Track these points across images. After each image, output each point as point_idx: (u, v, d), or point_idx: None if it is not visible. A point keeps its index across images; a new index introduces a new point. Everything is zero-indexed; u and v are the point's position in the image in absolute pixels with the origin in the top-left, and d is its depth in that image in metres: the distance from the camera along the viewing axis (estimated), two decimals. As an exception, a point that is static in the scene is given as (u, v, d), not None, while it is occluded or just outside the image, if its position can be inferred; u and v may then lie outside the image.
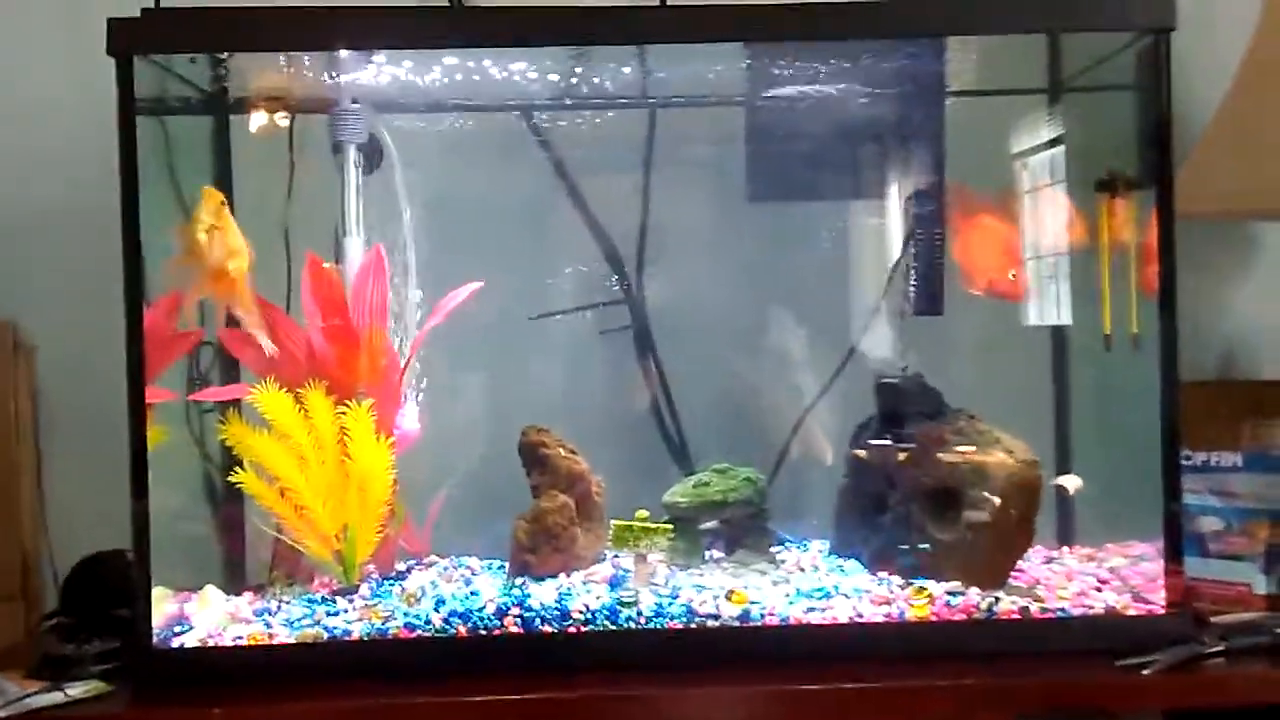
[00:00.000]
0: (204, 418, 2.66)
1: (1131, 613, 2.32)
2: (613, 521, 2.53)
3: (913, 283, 2.85)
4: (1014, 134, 2.88)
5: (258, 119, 2.72)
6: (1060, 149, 2.81)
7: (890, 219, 2.91)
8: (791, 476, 2.89)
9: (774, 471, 2.88)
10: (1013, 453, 2.41)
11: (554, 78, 2.68)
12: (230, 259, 2.42)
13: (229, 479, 2.48)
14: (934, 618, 2.29)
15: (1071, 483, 2.41)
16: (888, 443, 2.62)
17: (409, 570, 2.70)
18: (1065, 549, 2.78)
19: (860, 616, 2.29)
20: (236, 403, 2.55)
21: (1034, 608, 2.31)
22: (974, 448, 2.47)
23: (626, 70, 2.68)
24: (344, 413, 2.48)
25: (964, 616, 2.30)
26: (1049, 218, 2.79)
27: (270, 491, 2.48)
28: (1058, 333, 2.91)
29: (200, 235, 2.38)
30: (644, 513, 2.54)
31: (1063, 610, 2.32)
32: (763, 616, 2.29)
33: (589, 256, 2.88)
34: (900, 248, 2.89)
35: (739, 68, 2.73)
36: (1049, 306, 2.82)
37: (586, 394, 2.97)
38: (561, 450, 2.63)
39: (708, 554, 2.66)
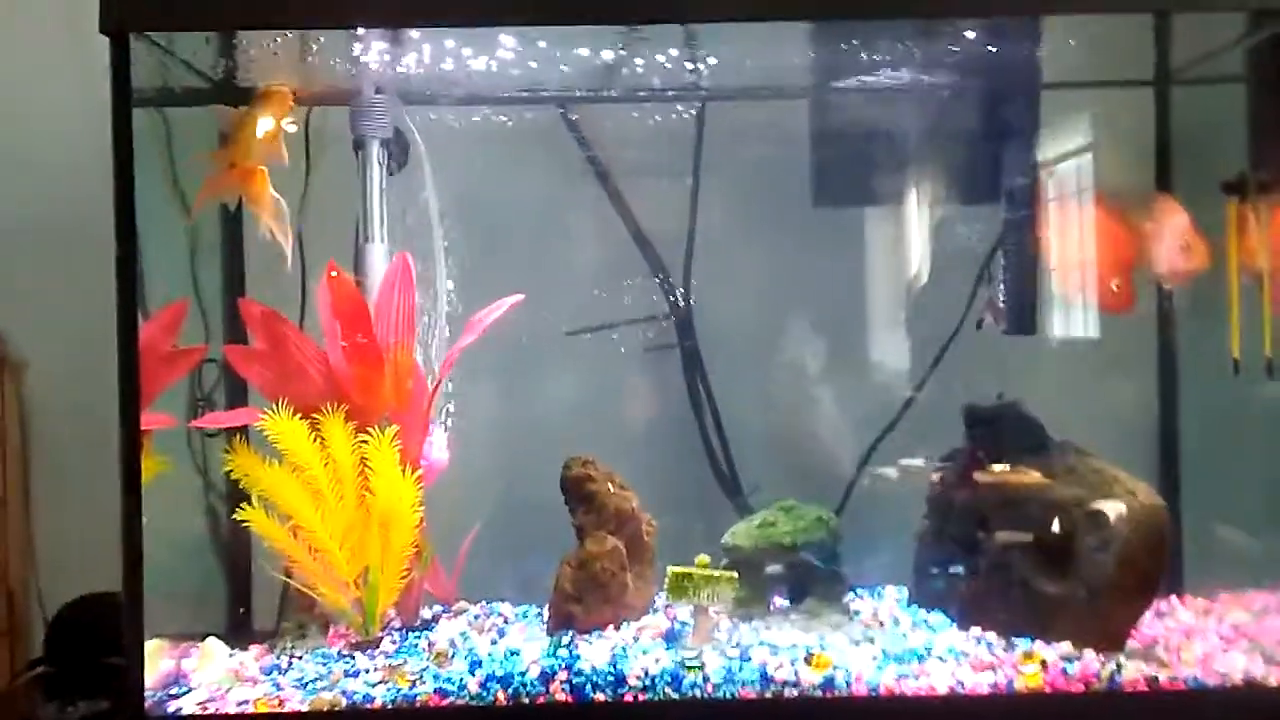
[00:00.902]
0: (208, 445, 2.40)
1: (1274, 683, 2.00)
2: (669, 568, 2.22)
3: (1002, 297, 2.56)
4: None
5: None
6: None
7: (975, 225, 2.63)
8: (859, 512, 2.59)
9: (840, 506, 2.59)
10: (1135, 495, 2.11)
11: (603, 66, 2.42)
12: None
13: (235, 516, 2.19)
14: (1048, 688, 1.98)
15: (1113, 509, 2.10)
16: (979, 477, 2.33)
17: (435, 619, 2.41)
18: (1174, 598, 2.47)
19: (962, 685, 1.98)
20: (244, 429, 2.28)
21: (1163, 676, 1.99)
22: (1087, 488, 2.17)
23: (683, 60, 2.44)
24: (365, 442, 2.21)
25: (1083, 687, 1.98)
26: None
27: (281, 531, 2.20)
28: (1166, 354, 2.61)
29: (256, 132, 2.19)
30: (704, 559, 2.24)
31: (1195, 679, 2.00)
32: (849, 684, 1.98)
33: (634, 266, 2.69)
34: (987, 258, 2.61)
35: (805, 56, 2.47)
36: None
37: (630, 418, 2.73)
38: (610, 486, 2.34)
39: (771, 602, 2.38)
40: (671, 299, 2.69)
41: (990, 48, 2.34)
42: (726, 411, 2.71)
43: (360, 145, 2.45)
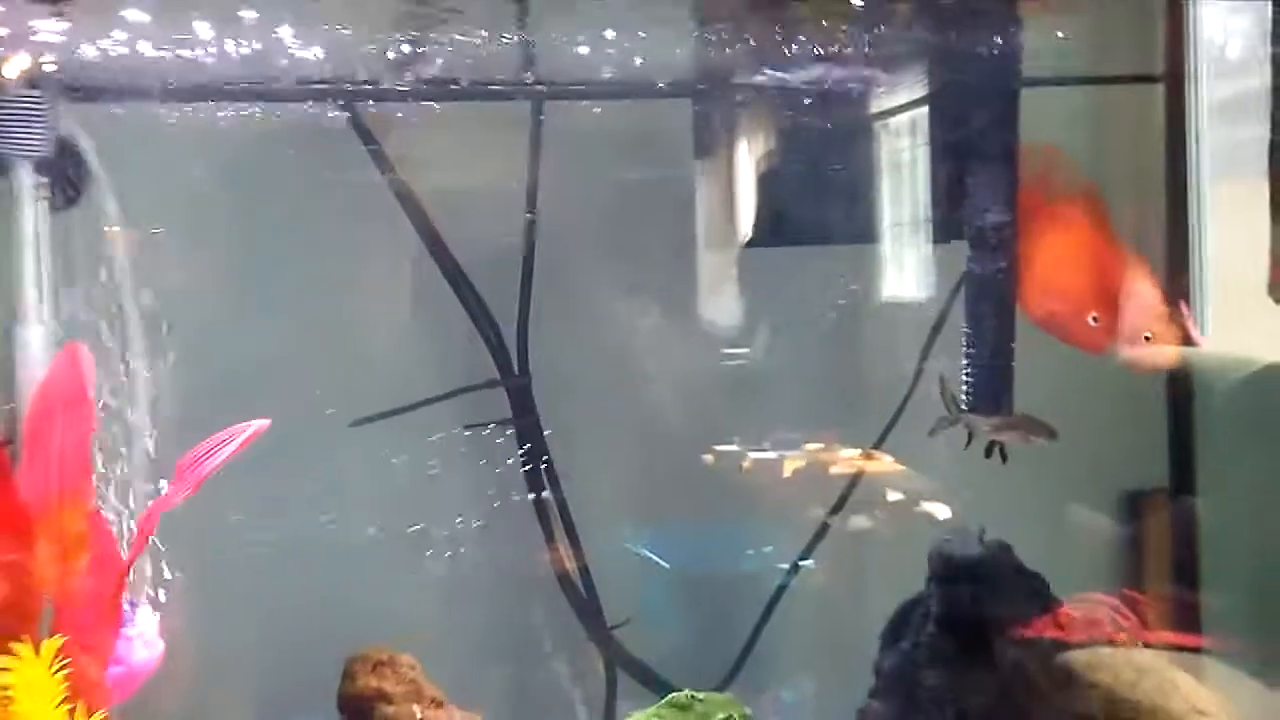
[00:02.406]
0: None
1: None
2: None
3: (965, 373, 2.03)
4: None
5: None
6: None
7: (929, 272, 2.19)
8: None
9: (738, 663, 2.08)
10: (1204, 714, 1.52)
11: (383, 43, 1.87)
12: None
13: None
14: None
15: (941, 512, 1.98)
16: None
17: None
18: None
19: None
20: None
21: None
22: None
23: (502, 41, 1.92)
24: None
25: None
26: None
27: None
28: (1178, 413, 2.14)
29: None
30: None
31: None
32: None
33: (444, 316, 2.14)
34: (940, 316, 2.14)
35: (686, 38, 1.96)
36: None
37: (445, 537, 2.12)
38: (416, 709, 1.61)
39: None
40: (500, 361, 2.15)
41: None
42: (580, 511, 2.16)
43: (3, 169, 1.75)
